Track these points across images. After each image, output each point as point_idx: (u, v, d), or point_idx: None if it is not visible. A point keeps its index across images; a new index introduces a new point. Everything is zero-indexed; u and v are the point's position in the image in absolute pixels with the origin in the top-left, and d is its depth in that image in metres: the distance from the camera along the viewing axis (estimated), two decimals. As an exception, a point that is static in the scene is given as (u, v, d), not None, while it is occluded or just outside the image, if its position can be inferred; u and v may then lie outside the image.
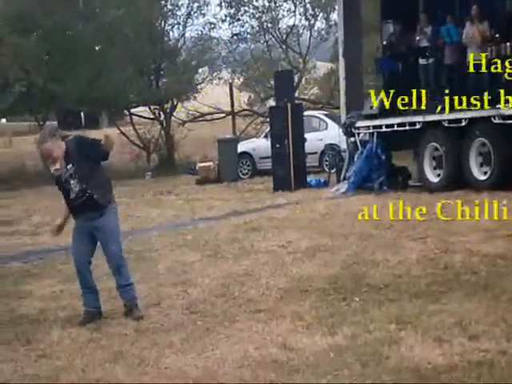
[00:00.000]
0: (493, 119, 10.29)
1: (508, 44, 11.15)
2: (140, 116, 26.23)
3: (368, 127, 12.77)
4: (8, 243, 10.19)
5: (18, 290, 7.13)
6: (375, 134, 12.52)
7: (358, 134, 13.15)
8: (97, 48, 23.59)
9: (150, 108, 25.38)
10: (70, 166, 5.78)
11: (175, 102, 25.37)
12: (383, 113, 12.60)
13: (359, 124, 12.99)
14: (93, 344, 5.27)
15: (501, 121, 10.18)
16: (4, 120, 36.44)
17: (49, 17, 21.42)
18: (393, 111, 12.65)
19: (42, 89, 21.27)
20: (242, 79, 28.44)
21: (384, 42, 13.74)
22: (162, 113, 24.92)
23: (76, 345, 5.27)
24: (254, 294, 6.31)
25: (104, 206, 5.89)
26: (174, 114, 25.59)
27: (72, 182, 5.80)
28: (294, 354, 4.69)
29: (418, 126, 11.64)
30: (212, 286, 6.68)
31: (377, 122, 12.50)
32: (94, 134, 27.54)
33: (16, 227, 11.81)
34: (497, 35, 11.34)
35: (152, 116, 25.37)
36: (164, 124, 24.88)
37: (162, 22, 25.31)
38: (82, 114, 30.20)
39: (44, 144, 5.78)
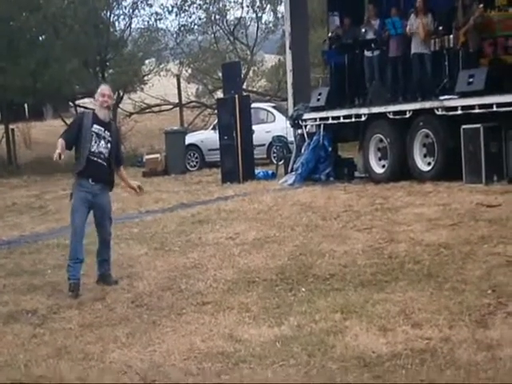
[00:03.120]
0: (436, 111, 10.45)
1: (451, 36, 11.35)
2: (85, 107, 25.72)
3: (315, 119, 12.84)
4: None
5: (-41, 286, 6.93)
6: (322, 125, 12.59)
7: (305, 126, 13.20)
8: (41, 39, 23.10)
9: (95, 99, 24.97)
10: (107, 133, 6.37)
11: (121, 94, 25.04)
12: (329, 105, 12.68)
13: (306, 116, 13.04)
14: (36, 339, 5.19)
15: (444, 112, 10.35)
16: None
17: (-10, 7, 20.90)
18: (339, 103, 12.78)
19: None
20: (189, 71, 28.25)
21: (330, 35, 13.81)
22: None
23: (19, 340, 5.18)
24: (201, 286, 6.29)
25: (109, 180, 6.45)
26: (121, 105, 25.27)
27: (103, 142, 6.34)
28: (240, 345, 4.70)
29: (363, 118, 11.75)
30: (158, 279, 6.64)
31: (323, 114, 12.58)
32: (38, 126, 27.03)
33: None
34: (440, 28, 11.53)
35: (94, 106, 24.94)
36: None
37: (108, 13, 24.93)
38: (25, 105, 29.55)
39: (108, 86, 6.76)
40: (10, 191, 15.63)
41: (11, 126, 23.35)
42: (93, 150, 6.28)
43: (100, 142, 6.31)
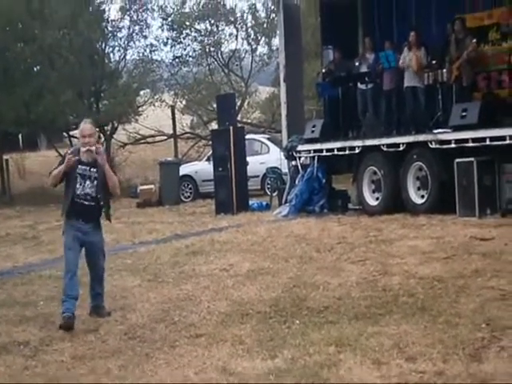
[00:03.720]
0: (430, 144, 10.53)
1: (444, 70, 11.48)
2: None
3: (309, 151, 12.91)
4: None
5: (-50, 317, 6.87)
6: (316, 157, 12.65)
7: (299, 157, 13.27)
8: (36, 69, 23.23)
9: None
10: (94, 169, 6.23)
11: (115, 125, 25.13)
12: (323, 137, 12.76)
13: (300, 148, 13.12)
14: (28, 371, 5.15)
15: (437, 146, 10.42)
16: None
17: (-14, 37, 21.04)
18: (333, 135, 12.86)
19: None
20: (184, 102, 28.41)
21: (324, 68, 13.96)
22: (102, 135, 24.66)
23: (11, 372, 5.13)
24: (194, 318, 6.26)
25: (98, 219, 6.39)
26: (115, 136, 25.34)
27: (88, 182, 6.23)
28: (234, 378, 4.67)
29: (357, 151, 11.83)
30: (151, 311, 6.60)
31: (317, 146, 12.65)
32: (32, 157, 27.02)
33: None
34: (433, 62, 11.67)
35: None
36: (104, 146, 24.60)
37: (103, 44, 25.13)
38: (20, 135, 29.61)
39: (88, 124, 6.39)
40: (3, 221, 15.58)
41: (5, 157, 23.37)
42: (78, 192, 6.20)
43: (85, 182, 6.22)
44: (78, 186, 6.21)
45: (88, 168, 6.23)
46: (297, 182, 12.94)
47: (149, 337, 5.84)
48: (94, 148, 6.25)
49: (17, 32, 21.72)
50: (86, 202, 6.24)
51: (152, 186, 18.26)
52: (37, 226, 14.22)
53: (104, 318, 6.34)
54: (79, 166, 6.21)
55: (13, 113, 20.52)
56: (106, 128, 24.42)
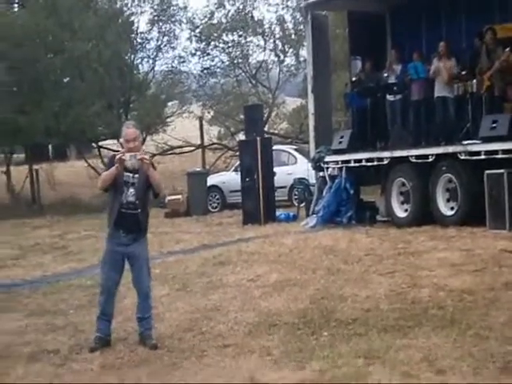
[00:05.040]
0: (459, 155, 10.44)
1: (474, 81, 11.40)
2: (108, 149, 26.12)
3: (337, 162, 12.88)
4: (-28, 277, 9.99)
5: (-18, 325, 6.97)
6: (344, 168, 12.62)
7: (327, 168, 13.24)
8: (65, 80, 23.52)
9: (118, 141, 25.30)
10: (136, 175, 5.94)
11: (144, 135, 25.33)
12: (351, 148, 12.73)
13: (328, 159, 13.09)
14: (57, 380, 5.17)
15: (467, 157, 10.33)
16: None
17: (17, 48, 21.34)
18: (361, 146, 12.82)
19: (9, 121, 21.07)
20: (211, 113, 28.56)
21: (353, 79, 13.95)
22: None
23: (41, 380, 5.16)
24: (222, 328, 6.26)
25: (141, 229, 6.03)
26: (143, 147, 25.55)
27: (131, 189, 5.95)
28: (262, 390, 4.66)
29: (385, 162, 11.77)
30: (180, 321, 6.61)
31: (345, 157, 12.62)
32: (62, 167, 27.29)
33: (-20, 260, 11.60)
34: (463, 72, 11.60)
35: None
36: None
37: (132, 56, 25.41)
38: (49, 146, 29.98)
39: (132, 128, 6.06)
40: (33, 231, 15.75)
41: (35, 167, 23.66)
42: (124, 201, 5.92)
43: (128, 189, 5.93)
44: (123, 194, 5.93)
45: (132, 175, 5.94)
46: (324, 193, 12.91)
47: (177, 346, 5.84)
48: (146, 156, 5.97)
49: (47, 44, 22.03)
50: (130, 211, 5.94)
51: (180, 197, 18.33)
52: (66, 235, 14.35)
53: (150, 349, 5.80)
54: (124, 173, 5.93)
55: (43, 124, 20.76)
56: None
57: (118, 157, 5.89)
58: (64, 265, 10.61)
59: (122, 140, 6.16)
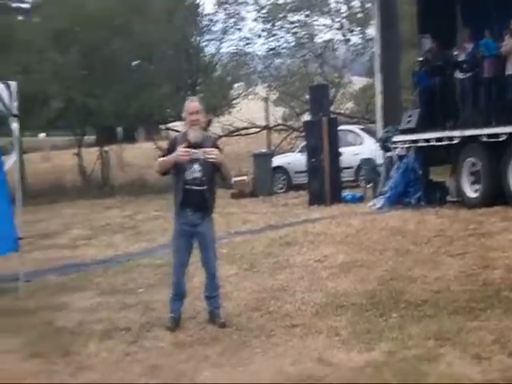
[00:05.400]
0: (533, 134, 10.13)
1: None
2: (176, 131, 26.43)
3: (405, 142, 12.67)
4: (46, 256, 10.31)
5: (56, 303, 7.19)
6: (412, 148, 12.40)
7: (395, 148, 13.05)
8: (134, 64, 23.87)
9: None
10: (201, 151, 5.82)
11: (210, 118, 25.51)
12: (420, 127, 12.50)
13: (396, 139, 12.89)
14: (129, 357, 5.29)
15: (541, 135, 10.01)
16: (43, 134, 37.03)
17: (88, 33, 21.77)
18: (430, 126, 12.57)
19: (80, 104, 21.57)
20: (277, 94, 28.48)
21: (421, 57, 13.65)
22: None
23: (113, 358, 5.30)
24: (289, 308, 6.29)
25: (208, 207, 5.98)
26: (210, 128, 25.73)
27: (196, 165, 5.84)
28: (330, 369, 4.66)
29: (455, 141, 11.51)
30: (247, 300, 6.67)
31: (414, 137, 12.40)
32: (130, 149, 27.80)
33: (54, 240, 11.95)
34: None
35: (183, 125, 25.45)
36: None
37: (198, 38, 25.55)
38: (118, 128, 30.55)
39: (195, 102, 6.00)
40: (104, 211, 16.12)
41: (105, 149, 24.16)
42: (187, 178, 5.85)
43: (193, 166, 5.83)
44: (187, 171, 5.84)
45: (195, 151, 5.81)
46: (392, 173, 12.74)
47: (245, 325, 5.91)
48: (198, 133, 5.89)
49: (116, 28, 22.37)
50: (195, 187, 5.85)
51: (246, 178, 18.41)
52: (135, 215, 14.64)
53: (219, 327, 5.88)
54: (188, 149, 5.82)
55: (113, 107, 21.17)
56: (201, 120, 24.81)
57: (181, 152, 5.72)
58: (134, 244, 10.84)
59: (184, 114, 5.99)
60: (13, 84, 7.38)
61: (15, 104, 7.40)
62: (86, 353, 5.43)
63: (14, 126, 7.46)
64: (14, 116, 7.40)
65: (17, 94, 7.44)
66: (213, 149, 5.86)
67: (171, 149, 5.95)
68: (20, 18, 24.74)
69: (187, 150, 5.77)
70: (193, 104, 5.96)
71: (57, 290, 7.86)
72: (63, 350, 5.51)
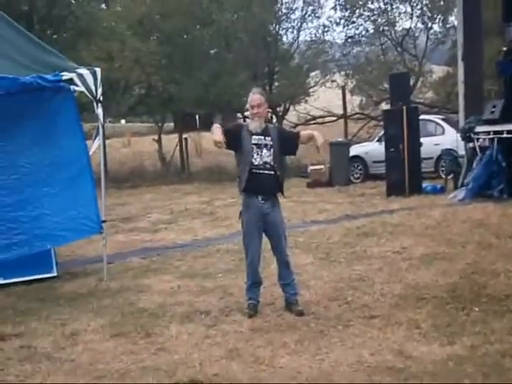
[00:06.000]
0: None
1: None
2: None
3: (488, 132, 12.33)
4: (127, 239, 10.57)
5: (138, 285, 7.37)
6: (495, 139, 12.06)
7: (477, 139, 12.72)
8: (213, 52, 24.08)
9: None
10: (268, 138, 5.93)
11: (287, 106, 25.49)
12: (504, 118, 12.13)
13: (478, 129, 12.57)
14: (209, 340, 5.38)
15: None
16: (123, 121, 37.91)
17: (167, 21, 22.09)
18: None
19: (160, 91, 21.95)
20: (354, 82, 28.18)
21: (503, 48, 13.23)
22: (274, 116, 25.14)
23: (193, 340, 5.39)
24: (368, 299, 6.24)
25: (278, 193, 6.00)
26: (286, 117, 25.72)
27: (265, 151, 5.89)
28: (410, 362, 4.61)
29: (541, 133, 11.14)
30: (325, 289, 6.66)
31: (497, 128, 12.05)
32: (208, 136, 28.16)
33: (135, 224, 12.23)
34: None
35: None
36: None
37: (276, 26, 25.51)
38: (197, 116, 30.91)
39: (258, 94, 6.02)
40: (183, 197, 16.39)
41: (184, 136, 24.52)
42: (256, 162, 5.86)
43: (262, 151, 5.88)
44: (255, 156, 5.85)
45: (262, 137, 5.90)
46: (474, 164, 12.43)
47: (323, 314, 5.90)
48: (258, 123, 5.92)
49: (196, 16, 22.60)
50: (266, 172, 5.85)
51: (322, 167, 18.33)
52: (213, 202, 14.82)
53: (296, 315, 5.87)
54: (253, 136, 5.89)
55: (192, 94, 21.45)
56: (278, 109, 24.88)
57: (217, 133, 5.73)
58: (212, 230, 10.99)
59: (247, 106, 6.03)
60: (97, 70, 7.53)
61: (100, 90, 7.55)
62: (167, 334, 5.55)
63: (99, 111, 7.62)
64: (99, 102, 7.56)
65: (101, 80, 7.59)
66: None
67: (238, 131, 5.99)
68: (102, 6, 25.32)
69: (218, 126, 5.79)
70: (255, 97, 5.98)
71: (138, 272, 8.06)
72: (145, 331, 5.65)
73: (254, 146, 5.88)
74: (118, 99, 21.80)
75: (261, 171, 5.87)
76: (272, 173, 5.90)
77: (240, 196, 6.10)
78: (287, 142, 6.05)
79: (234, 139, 5.90)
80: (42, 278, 7.76)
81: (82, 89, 7.36)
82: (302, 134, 6.16)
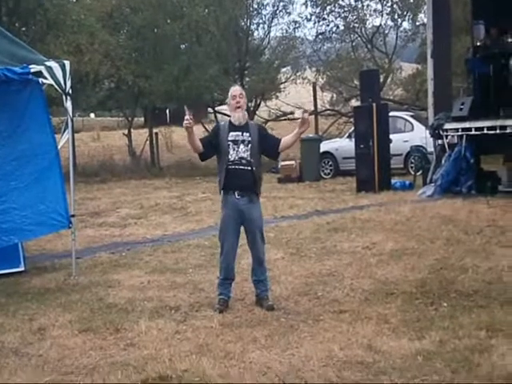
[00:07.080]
0: None
1: None
2: (224, 114, 26.51)
3: (456, 130, 12.47)
4: (97, 234, 10.47)
5: (107, 280, 7.30)
6: (464, 136, 12.20)
7: (446, 136, 12.86)
8: (183, 46, 23.97)
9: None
10: (246, 134, 5.92)
11: (258, 101, 25.49)
12: (472, 115, 12.28)
13: (447, 126, 12.70)
14: (179, 335, 5.34)
15: None
16: (92, 115, 37.57)
17: (138, 14, 21.93)
18: (483, 114, 12.34)
19: (130, 85, 21.79)
20: (325, 79, 28.28)
21: (477, 43, 13.38)
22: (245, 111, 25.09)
23: (163, 335, 5.34)
24: (337, 294, 6.27)
25: (255, 190, 5.98)
26: (257, 112, 25.72)
27: (242, 146, 5.88)
28: (380, 357, 4.63)
29: (509, 130, 11.28)
30: (295, 284, 6.67)
31: (466, 125, 12.20)
32: (178, 131, 28.05)
33: (104, 219, 12.12)
34: None
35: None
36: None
37: (248, 21, 25.49)
38: (167, 110, 30.76)
39: (239, 88, 6.16)
40: (153, 192, 16.30)
41: (154, 130, 24.38)
42: (232, 158, 5.86)
43: (239, 147, 5.87)
44: (231, 152, 5.86)
45: (240, 133, 5.90)
46: (443, 161, 12.57)
47: (293, 309, 5.91)
48: (241, 114, 6.01)
49: (166, 9, 22.46)
50: (241, 167, 5.85)
51: (293, 162, 18.38)
52: (184, 197, 14.76)
53: (267, 310, 5.87)
54: (230, 134, 5.89)
55: (162, 88, 21.33)
56: (249, 104, 24.85)
57: (184, 124, 5.76)
58: (183, 225, 10.94)
59: (228, 100, 6.08)
60: (67, 63, 7.43)
61: (69, 83, 7.45)
62: (136, 330, 5.50)
63: (68, 104, 7.51)
64: (68, 95, 7.46)
65: (70, 73, 7.50)
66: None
67: (215, 133, 6.05)
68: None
69: (190, 117, 5.75)
70: (236, 88, 6.12)
71: (108, 267, 7.98)
72: (114, 327, 5.58)
73: (230, 143, 5.88)
74: (87, 93, 21.59)
75: (236, 166, 5.86)
76: (248, 168, 5.88)
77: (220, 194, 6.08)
78: (267, 144, 6.04)
79: (214, 147, 5.97)
80: (10, 273, 7.65)
81: (51, 82, 7.25)
82: (284, 140, 6.15)
